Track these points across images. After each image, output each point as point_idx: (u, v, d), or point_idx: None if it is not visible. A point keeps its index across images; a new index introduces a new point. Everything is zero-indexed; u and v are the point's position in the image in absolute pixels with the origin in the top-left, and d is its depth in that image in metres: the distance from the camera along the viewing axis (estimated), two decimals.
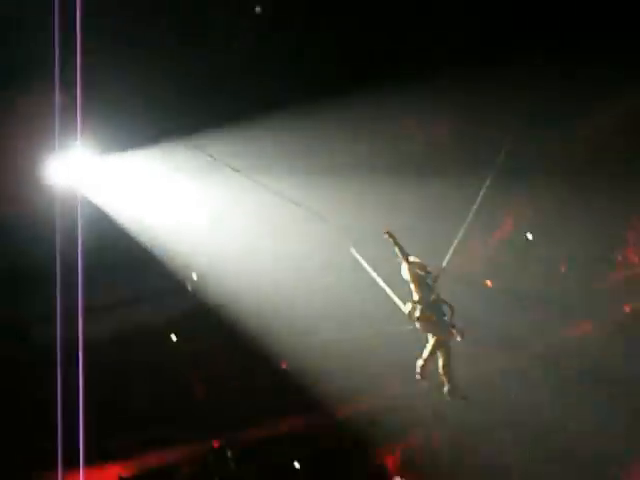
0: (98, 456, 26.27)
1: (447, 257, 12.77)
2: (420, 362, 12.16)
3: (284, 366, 28.36)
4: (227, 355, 28.62)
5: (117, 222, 26.01)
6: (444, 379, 12.21)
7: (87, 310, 24.10)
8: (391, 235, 11.88)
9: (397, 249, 12.09)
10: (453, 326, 11.99)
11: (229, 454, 28.32)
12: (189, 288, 29.51)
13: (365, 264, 12.81)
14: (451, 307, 12.11)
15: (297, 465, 27.61)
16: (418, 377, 12.33)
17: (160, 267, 27.55)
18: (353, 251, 13.23)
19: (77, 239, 22.35)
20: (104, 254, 26.71)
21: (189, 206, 26.31)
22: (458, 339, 12.02)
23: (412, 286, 12.22)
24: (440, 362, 12.08)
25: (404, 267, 12.36)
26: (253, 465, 28.01)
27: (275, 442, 27.77)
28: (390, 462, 26.49)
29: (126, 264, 29.44)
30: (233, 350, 28.62)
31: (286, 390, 27.57)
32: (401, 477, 26.40)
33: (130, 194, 25.50)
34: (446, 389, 12.39)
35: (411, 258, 12.40)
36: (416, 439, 26.31)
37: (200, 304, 29.11)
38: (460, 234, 13.25)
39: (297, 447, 27.73)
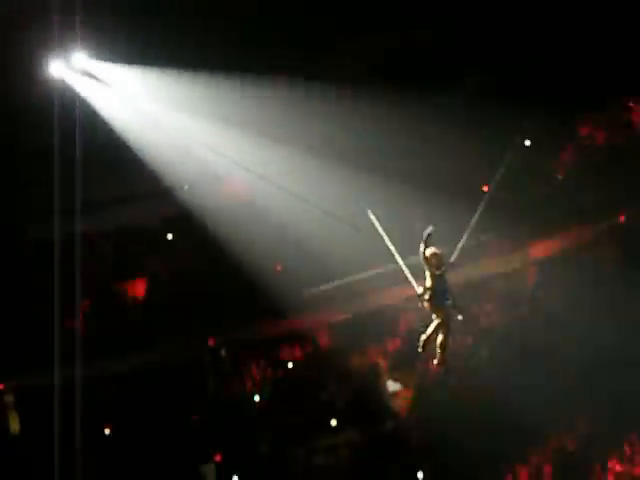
0: (96, 351, 26.70)
1: (455, 253, 13.72)
2: (423, 337, 13.80)
3: (278, 268, 28.53)
4: (219, 254, 28.81)
5: (112, 123, 26.03)
6: (438, 352, 13.76)
7: (84, 206, 24.23)
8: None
9: (424, 240, 13.31)
10: (455, 306, 13.50)
11: (223, 353, 28.68)
12: (184, 189, 29.61)
13: (381, 230, 14.17)
14: (453, 296, 13.53)
15: (290, 365, 27.98)
16: (420, 350, 13.95)
17: (152, 169, 27.65)
18: (371, 216, 14.34)
19: (75, 133, 22.37)
20: (99, 153, 26.75)
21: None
22: (459, 318, 13.78)
23: (427, 273, 13.40)
24: (439, 339, 13.64)
25: (423, 255, 13.43)
26: (247, 364, 28.42)
27: (270, 342, 28.10)
28: (384, 362, 26.92)
29: (120, 164, 29.54)
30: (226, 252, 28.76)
31: (280, 292, 27.76)
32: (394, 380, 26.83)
33: (124, 100, 25.65)
34: (436, 361, 13.94)
35: (432, 249, 13.36)
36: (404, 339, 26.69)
37: (194, 205, 29.36)
38: (467, 231, 14.35)
39: (293, 347, 28.09)
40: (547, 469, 22.99)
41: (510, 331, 25.64)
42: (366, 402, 26.42)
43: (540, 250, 26.30)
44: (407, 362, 26.12)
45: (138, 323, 28.42)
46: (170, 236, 30.65)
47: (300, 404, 26.74)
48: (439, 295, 13.34)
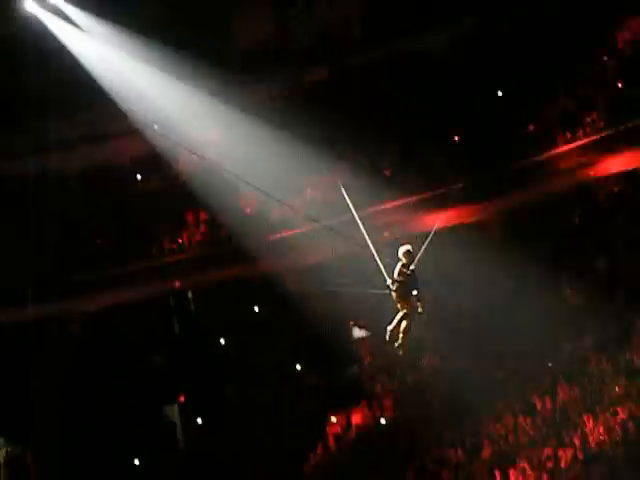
0: (63, 292, 26.58)
1: (416, 258, 14.56)
2: (390, 327, 14.72)
3: (248, 211, 28.46)
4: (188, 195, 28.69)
5: (84, 63, 25.84)
6: (400, 337, 14.85)
7: (56, 146, 24.07)
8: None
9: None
10: (419, 300, 14.53)
11: (190, 295, 28.67)
12: (154, 129, 29.33)
13: (354, 210, 15.05)
14: (419, 289, 14.56)
15: (256, 309, 28.04)
16: (387, 338, 14.99)
17: (121, 108, 27.47)
18: (344, 192, 15.32)
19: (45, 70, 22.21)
20: (69, 91, 26.49)
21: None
22: (420, 310, 14.57)
23: (398, 266, 14.50)
24: (402, 326, 14.73)
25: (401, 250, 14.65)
26: (213, 307, 28.45)
27: (236, 285, 28.13)
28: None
29: (89, 104, 29.29)
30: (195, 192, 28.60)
31: (248, 235, 27.73)
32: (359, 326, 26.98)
33: (93, 43, 25.56)
34: (397, 344, 14.97)
35: (405, 247, 14.51)
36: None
37: (164, 145, 29.15)
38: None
39: (260, 290, 28.14)
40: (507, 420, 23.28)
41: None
42: (331, 347, 26.61)
43: None
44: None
45: (105, 262, 28.31)
46: (139, 176, 30.58)
47: (266, 348, 26.90)
48: (407, 288, 14.39)
